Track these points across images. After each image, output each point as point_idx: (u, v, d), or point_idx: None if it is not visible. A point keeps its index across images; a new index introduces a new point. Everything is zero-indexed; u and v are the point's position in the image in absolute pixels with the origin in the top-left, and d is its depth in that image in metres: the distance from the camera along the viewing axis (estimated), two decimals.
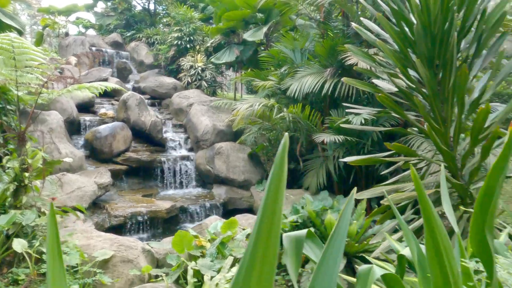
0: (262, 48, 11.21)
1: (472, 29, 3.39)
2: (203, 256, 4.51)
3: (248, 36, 10.35)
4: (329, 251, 1.05)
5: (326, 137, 6.15)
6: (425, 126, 2.91)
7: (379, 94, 3.12)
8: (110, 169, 7.92)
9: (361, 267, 1.50)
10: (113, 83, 6.02)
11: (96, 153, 8.51)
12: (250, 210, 7.76)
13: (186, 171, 9.07)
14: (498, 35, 3.50)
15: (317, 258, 1.61)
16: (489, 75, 3.55)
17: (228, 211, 7.85)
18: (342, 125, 3.61)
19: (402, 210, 3.51)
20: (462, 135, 3.83)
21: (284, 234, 1.65)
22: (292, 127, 7.05)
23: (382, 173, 4.48)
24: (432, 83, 3.27)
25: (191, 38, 13.22)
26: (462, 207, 2.85)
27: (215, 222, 5.15)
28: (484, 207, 1.09)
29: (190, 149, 9.91)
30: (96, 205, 7.03)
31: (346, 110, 4.47)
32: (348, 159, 3.46)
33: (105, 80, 11.97)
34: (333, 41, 6.62)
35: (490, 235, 1.07)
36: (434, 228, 1.26)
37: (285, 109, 6.91)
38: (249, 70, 10.36)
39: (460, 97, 3.01)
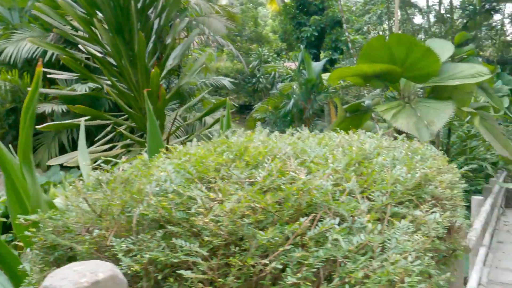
0: None
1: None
2: None
3: None
4: None
5: (49, 107, 5.72)
6: (105, 89, 3.07)
7: (64, 57, 3.09)
8: None
9: None
10: None
11: None
12: None
13: None
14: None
15: None
16: (181, 46, 4.06)
17: None
18: (41, 90, 3.42)
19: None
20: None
21: None
22: (10, 98, 6.19)
23: (107, 138, 4.56)
24: (123, 49, 3.46)
25: None
26: None
27: None
28: (22, 143, 1.24)
29: None
30: None
31: (48, 76, 4.26)
32: (40, 126, 3.33)
33: None
34: (53, 2, 6.08)
35: (25, 165, 1.24)
36: (8, 167, 1.36)
37: None
38: None
39: (141, 63, 3.32)
